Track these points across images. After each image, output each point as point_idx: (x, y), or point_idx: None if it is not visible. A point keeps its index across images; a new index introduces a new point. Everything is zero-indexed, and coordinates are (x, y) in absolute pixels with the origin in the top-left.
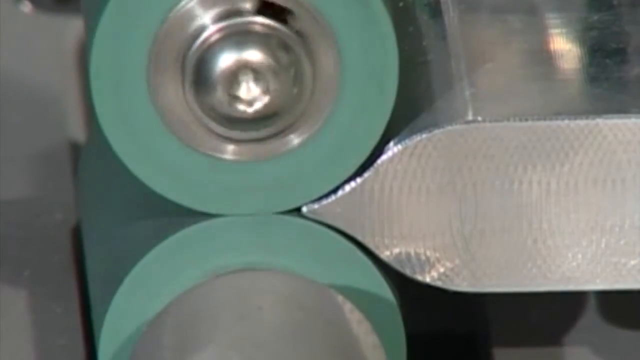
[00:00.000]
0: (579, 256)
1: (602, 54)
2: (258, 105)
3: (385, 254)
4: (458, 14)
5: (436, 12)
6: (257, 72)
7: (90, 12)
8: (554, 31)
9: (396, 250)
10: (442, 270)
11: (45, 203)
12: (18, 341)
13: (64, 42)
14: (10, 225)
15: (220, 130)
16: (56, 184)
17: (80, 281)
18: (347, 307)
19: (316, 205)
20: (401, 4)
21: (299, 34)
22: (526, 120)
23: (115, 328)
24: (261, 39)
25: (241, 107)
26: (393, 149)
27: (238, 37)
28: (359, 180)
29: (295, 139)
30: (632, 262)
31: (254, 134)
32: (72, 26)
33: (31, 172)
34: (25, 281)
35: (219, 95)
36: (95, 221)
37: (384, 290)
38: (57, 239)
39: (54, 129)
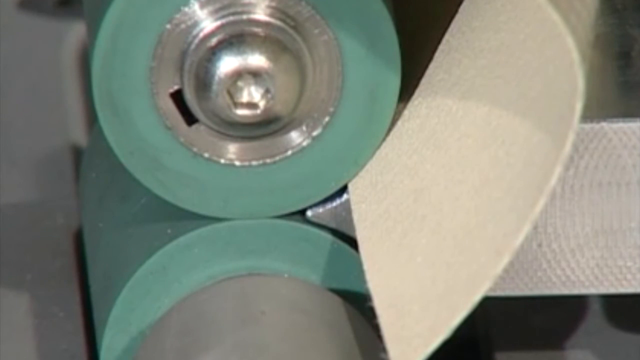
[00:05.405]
0: (584, 260)
1: (607, 58)
2: (259, 109)
3: None
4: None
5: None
6: (258, 76)
7: (92, 16)
8: None
9: None
10: None
11: (47, 207)
12: (20, 345)
13: (65, 46)
14: (12, 229)
15: (222, 133)
16: (58, 188)
17: (82, 285)
18: (350, 311)
19: (321, 209)
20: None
21: (300, 37)
22: None
23: (118, 333)
24: (262, 43)
25: (242, 111)
26: None
27: (239, 41)
28: None
29: (298, 141)
30: (637, 266)
31: (255, 137)
32: (74, 29)
33: (33, 176)
34: (27, 285)
35: (220, 99)
36: (97, 226)
37: None
38: (59, 243)
39: (55, 132)
